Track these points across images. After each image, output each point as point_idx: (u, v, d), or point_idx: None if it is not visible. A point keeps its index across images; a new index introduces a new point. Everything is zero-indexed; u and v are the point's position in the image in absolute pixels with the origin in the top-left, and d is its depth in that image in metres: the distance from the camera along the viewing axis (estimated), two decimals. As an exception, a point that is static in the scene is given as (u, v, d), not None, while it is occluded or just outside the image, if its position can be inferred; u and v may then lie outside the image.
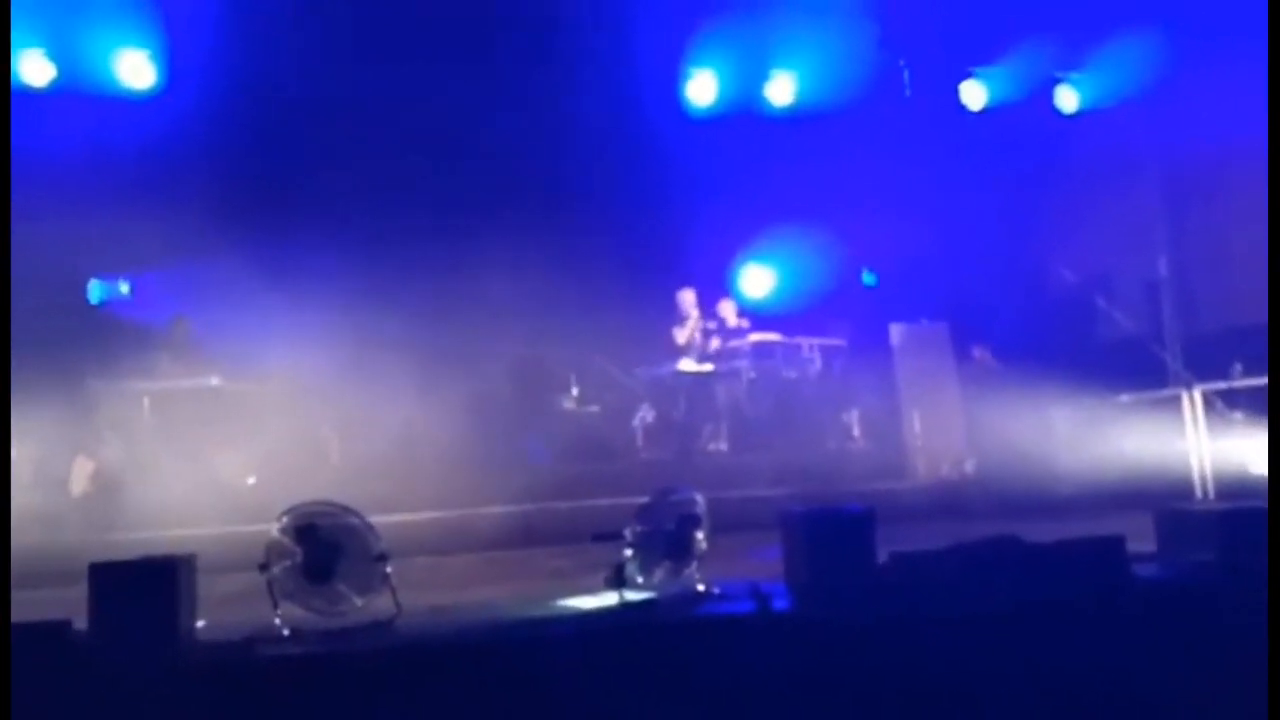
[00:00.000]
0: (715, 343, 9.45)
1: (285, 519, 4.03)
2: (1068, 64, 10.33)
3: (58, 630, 3.56)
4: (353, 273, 8.61)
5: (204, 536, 5.80)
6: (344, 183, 9.20)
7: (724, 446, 9.15)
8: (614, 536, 4.39)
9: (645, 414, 9.44)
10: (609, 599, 4.28)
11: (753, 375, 9.40)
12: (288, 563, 4.00)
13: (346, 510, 4.07)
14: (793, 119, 10.39)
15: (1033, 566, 4.22)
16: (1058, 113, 10.49)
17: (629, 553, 4.31)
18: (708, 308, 9.69)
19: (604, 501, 6.68)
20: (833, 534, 4.24)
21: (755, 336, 9.52)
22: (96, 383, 7.90)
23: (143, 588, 3.67)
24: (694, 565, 4.44)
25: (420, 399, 8.31)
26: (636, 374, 9.70)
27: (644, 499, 4.50)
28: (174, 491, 7.00)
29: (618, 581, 4.27)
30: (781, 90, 10.31)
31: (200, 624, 3.99)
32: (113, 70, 8.99)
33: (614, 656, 3.88)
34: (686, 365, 9.29)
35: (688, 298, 9.66)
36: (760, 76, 10.32)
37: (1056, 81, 10.45)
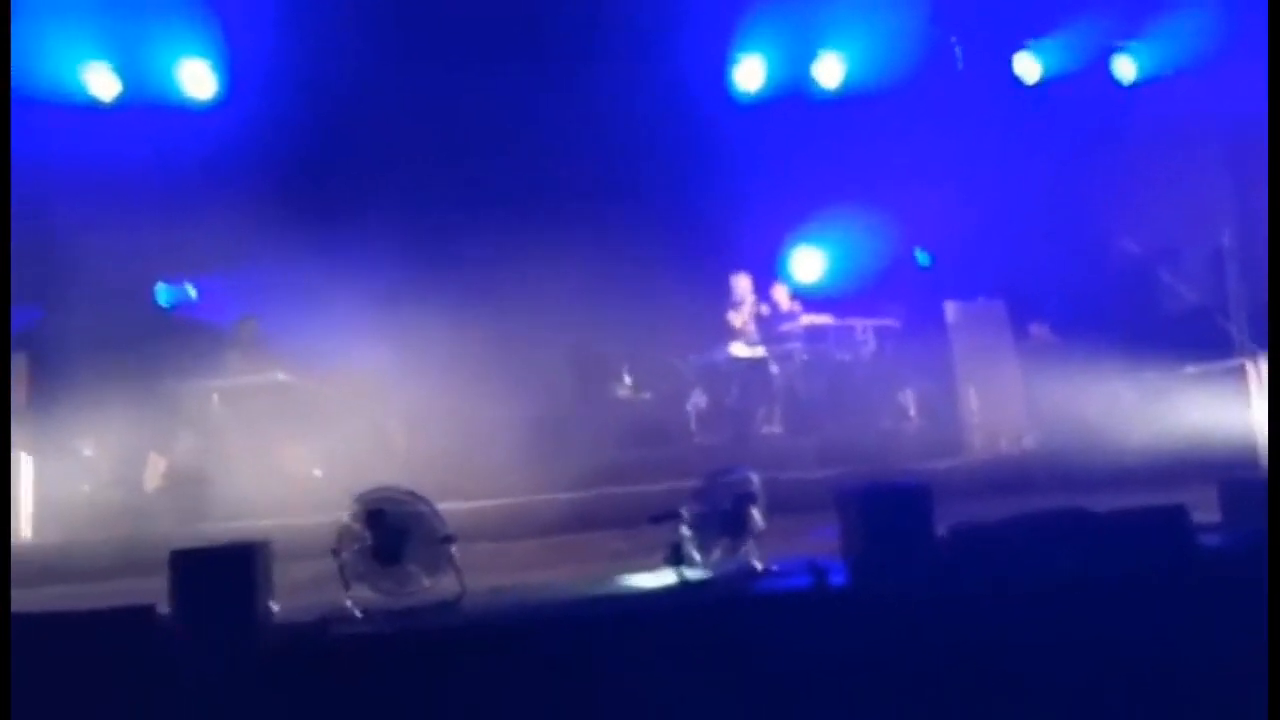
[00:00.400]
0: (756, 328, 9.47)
1: (355, 506, 4.17)
2: (1125, 33, 10.11)
3: (142, 615, 3.72)
4: (410, 269, 8.80)
5: (273, 527, 5.98)
6: (399, 182, 9.42)
7: (778, 429, 9.16)
8: (671, 516, 4.45)
9: (698, 399, 9.48)
10: (668, 578, 4.35)
11: (805, 358, 9.39)
12: (358, 546, 4.14)
13: (413, 495, 4.20)
14: (842, 100, 10.32)
15: (1095, 537, 4.19)
16: (1116, 83, 10.28)
17: (686, 532, 4.37)
18: (761, 292, 9.71)
19: (660, 486, 6.75)
20: (889, 509, 4.23)
21: (807, 319, 9.51)
22: (167, 382, 8.17)
23: (222, 573, 3.81)
24: (751, 543, 4.48)
25: (478, 390, 8.46)
26: (689, 360, 9.74)
27: (699, 482, 4.57)
28: (244, 485, 7.22)
29: (676, 560, 4.33)
30: (830, 71, 10.26)
31: (275, 608, 4.15)
32: (175, 80, 9.27)
33: (673, 633, 3.95)
34: (739, 350, 9.32)
35: (742, 282, 9.69)
36: (808, 58, 10.28)
37: (1114, 51, 10.23)
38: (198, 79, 9.25)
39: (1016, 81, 10.23)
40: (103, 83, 8.96)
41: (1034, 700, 3.82)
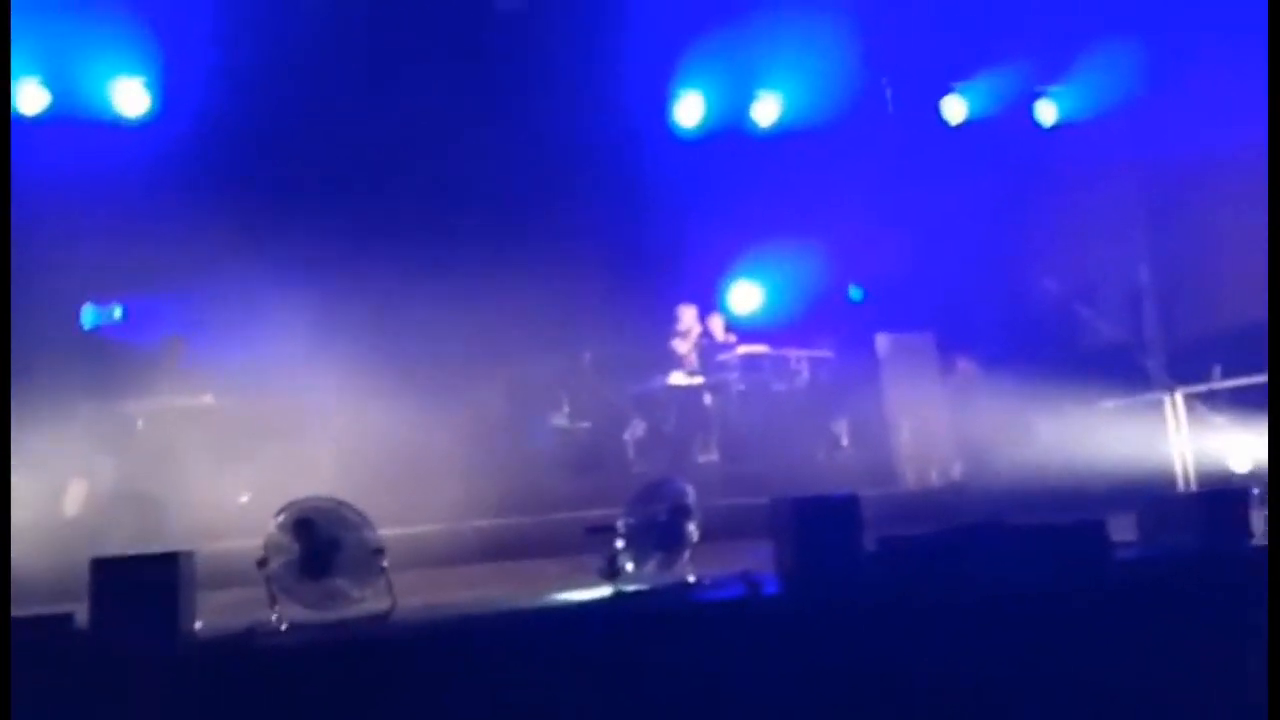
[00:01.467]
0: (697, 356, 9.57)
1: (283, 515, 4.10)
2: (1046, 78, 10.52)
3: (59, 623, 3.61)
4: (345, 295, 8.67)
5: (198, 553, 5.83)
6: (335, 207, 9.32)
7: (715, 457, 9.22)
8: (607, 529, 4.47)
9: (636, 428, 9.51)
10: (603, 591, 4.35)
11: (741, 387, 9.49)
12: (285, 558, 4.06)
13: (343, 505, 4.14)
14: (778, 138, 10.53)
15: (1017, 549, 4.31)
16: (1038, 125, 10.67)
17: (621, 544, 4.39)
18: (699, 323, 9.83)
19: (597, 512, 6.71)
20: (820, 520, 4.32)
21: (744, 349, 9.63)
22: (89, 405, 7.92)
23: (143, 582, 3.73)
24: (686, 556, 4.52)
25: (414, 417, 8.34)
26: (627, 389, 9.78)
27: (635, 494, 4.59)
28: (168, 511, 7.02)
29: (611, 572, 4.34)
30: (767, 110, 10.48)
31: (199, 626, 4.04)
32: (107, 98, 9.10)
33: (608, 644, 3.95)
34: (677, 379, 9.40)
35: (688, 313, 9.80)
36: (746, 97, 10.48)
37: (1036, 95, 10.65)
38: (130, 97, 9.09)
39: (944, 123, 10.56)
40: (31, 96, 8.77)
41: (956, 704, 3.89)
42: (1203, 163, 9.21)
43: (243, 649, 3.77)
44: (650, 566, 4.46)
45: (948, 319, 9.42)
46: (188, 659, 3.68)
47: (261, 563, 4.03)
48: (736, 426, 9.42)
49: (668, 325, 9.84)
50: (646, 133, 10.37)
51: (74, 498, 7.75)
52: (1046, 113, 10.66)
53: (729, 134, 10.61)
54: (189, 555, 3.97)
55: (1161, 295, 9.53)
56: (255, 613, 4.06)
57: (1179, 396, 7.92)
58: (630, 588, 4.37)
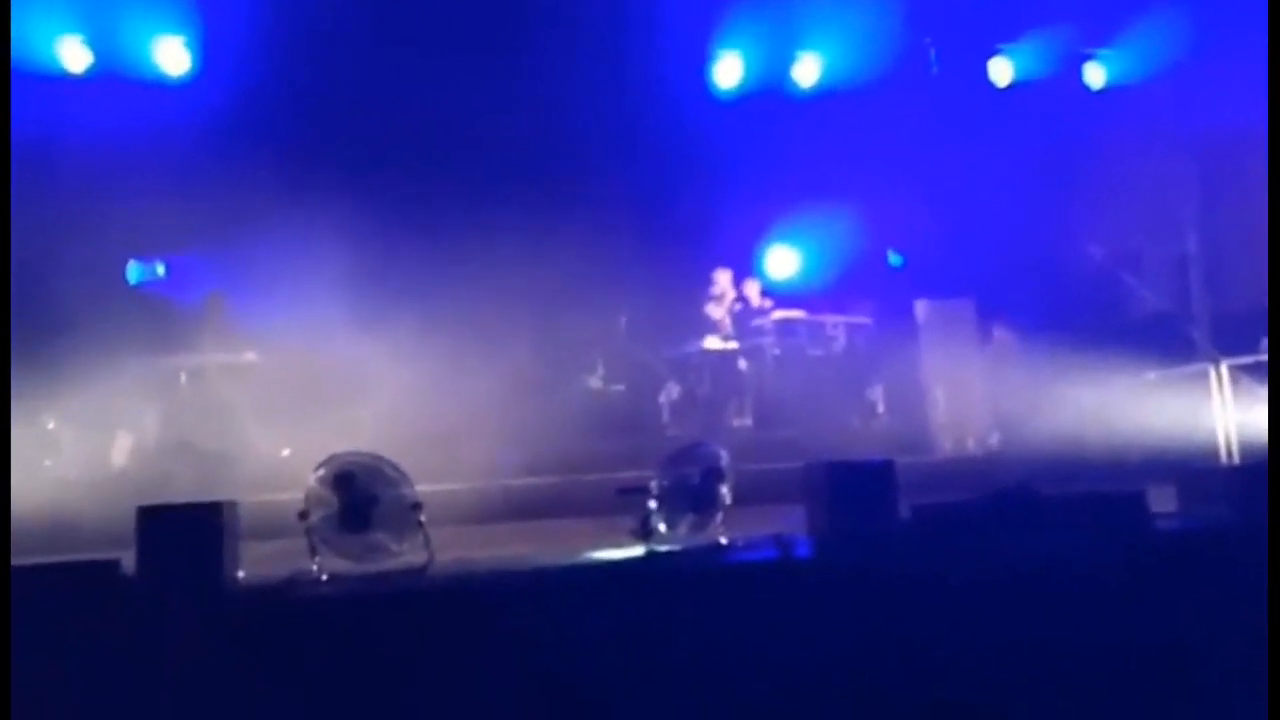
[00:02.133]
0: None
1: (323, 469, 4.16)
2: (1096, 40, 10.28)
3: (106, 568, 3.70)
4: (384, 254, 8.75)
5: (240, 505, 5.95)
6: (374, 166, 9.37)
7: (748, 422, 9.23)
8: (640, 490, 4.49)
9: (670, 391, 9.54)
10: (635, 550, 4.38)
11: (777, 352, 9.47)
12: (325, 512, 4.13)
13: (382, 460, 4.20)
14: (819, 100, 10.40)
15: (1054, 518, 4.27)
16: (1086, 89, 10.44)
17: (654, 505, 4.41)
18: (736, 287, 9.79)
19: (630, 474, 6.74)
20: (854, 486, 4.30)
21: (780, 314, 9.58)
22: (135, 360, 8.08)
23: (188, 531, 3.80)
24: (718, 518, 4.53)
25: (450, 376, 8.42)
26: (662, 353, 9.80)
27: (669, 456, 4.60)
28: (211, 464, 7.17)
29: (644, 533, 4.37)
30: (808, 71, 10.34)
31: (241, 575, 4.12)
32: (149, 57, 9.18)
33: (639, 603, 3.98)
34: (712, 343, 9.39)
35: (723, 276, 9.76)
36: (786, 58, 10.35)
37: (1085, 58, 10.41)
38: (172, 56, 9.16)
39: (989, 85, 10.36)
40: (74, 54, 8.86)
41: (986, 672, 3.88)
42: (1252, 130, 8.96)
43: (284, 598, 3.85)
44: (682, 528, 4.49)
45: (989, 286, 9.30)
46: (230, 606, 3.76)
47: (302, 515, 4.10)
48: (771, 392, 9.41)
49: (704, 289, 9.81)
50: (685, 94, 10.28)
51: (120, 449, 7.94)
52: (1095, 76, 10.42)
53: (768, 95, 10.50)
54: (232, 505, 4.05)
55: (1208, 265, 9.33)
56: (296, 564, 4.14)
57: (1224, 367, 7.77)
58: (662, 548, 4.40)
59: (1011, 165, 9.90)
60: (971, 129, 10.06)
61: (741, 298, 9.82)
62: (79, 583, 3.69)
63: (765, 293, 9.97)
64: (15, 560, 3.87)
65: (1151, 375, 8.55)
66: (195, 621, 3.61)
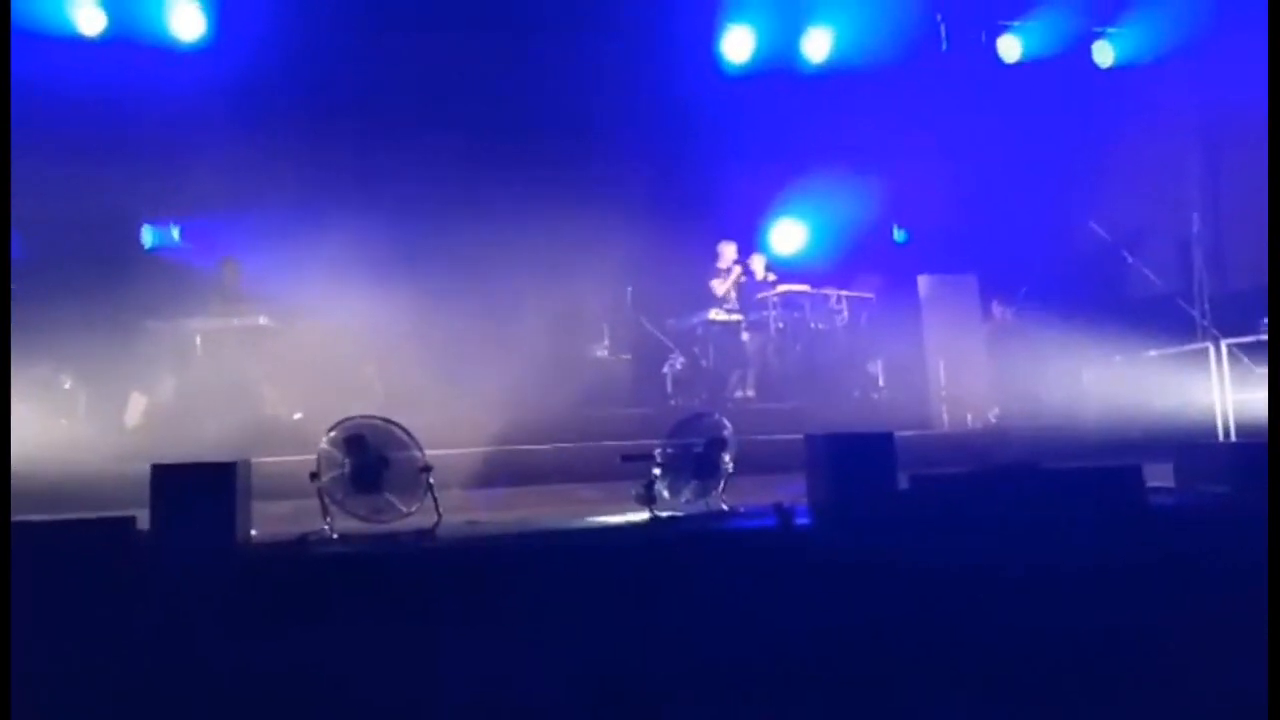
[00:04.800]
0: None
1: (334, 431, 4.28)
2: (1105, 19, 10.27)
3: (122, 525, 3.80)
4: (395, 219, 8.84)
5: (253, 465, 6.07)
6: (384, 136, 9.43)
7: (751, 394, 9.33)
8: (644, 457, 4.60)
9: (675, 362, 9.64)
10: (639, 515, 4.50)
11: (780, 325, 9.54)
12: (336, 472, 4.25)
13: (392, 423, 4.31)
14: (828, 74, 10.41)
15: (1050, 492, 4.36)
16: (1094, 67, 10.43)
17: (658, 472, 4.52)
18: (741, 260, 9.86)
19: (635, 442, 6.86)
20: (854, 457, 4.40)
21: (783, 288, 9.65)
22: (150, 322, 8.21)
23: (202, 488, 3.91)
24: (721, 486, 4.65)
25: (461, 345, 8.55)
26: (668, 324, 9.89)
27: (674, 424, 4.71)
28: (224, 425, 7.29)
29: (647, 498, 4.48)
30: (818, 46, 10.35)
31: (254, 533, 4.24)
32: (164, 21, 9.22)
33: (642, 566, 4.10)
34: (716, 315, 9.48)
35: (728, 250, 9.83)
36: (796, 32, 10.36)
37: (1094, 36, 10.40)
38: (187, 20, 9.20)
39: (998, 61, 10.36)
40: (89, 18, 8.91)
41: (980, 642, 3.99)
42: (1261, 112, 8.97)
43: (296, 555, 3.97)
44: (685, 495, 4.60)
45: (992, 262, 9.36)
46: (243, 562, 3.88)
47: (314, 475, 4.22)
48: (774, 364, 9.50)
49: (709, 262, 9.88)
50: (694, 68, 10.30)
51: (135, 409, 8.08)
52: (1104, 54, 10.42)
53: (778, 69, 10.51)
54: (246, 463, 4.15)
55: (1211, 246, 9.36)
56: (308, 523, 4.26)
57: (1224, 347, 7.86)
58: (665, 513, 4.51)
59: (1018, 141, 9.93)
60: (979, 105, 10.08)
61: (747, 271, 9.89)
62: (96, 538, 3.78)
63: (770, 266, 10.03)
64: (33, 516, 3.99)
65: (1152, 353, 8.64)
66: (209, 577, 3.73)
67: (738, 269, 9.77)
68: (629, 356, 9.72)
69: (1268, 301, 7.47)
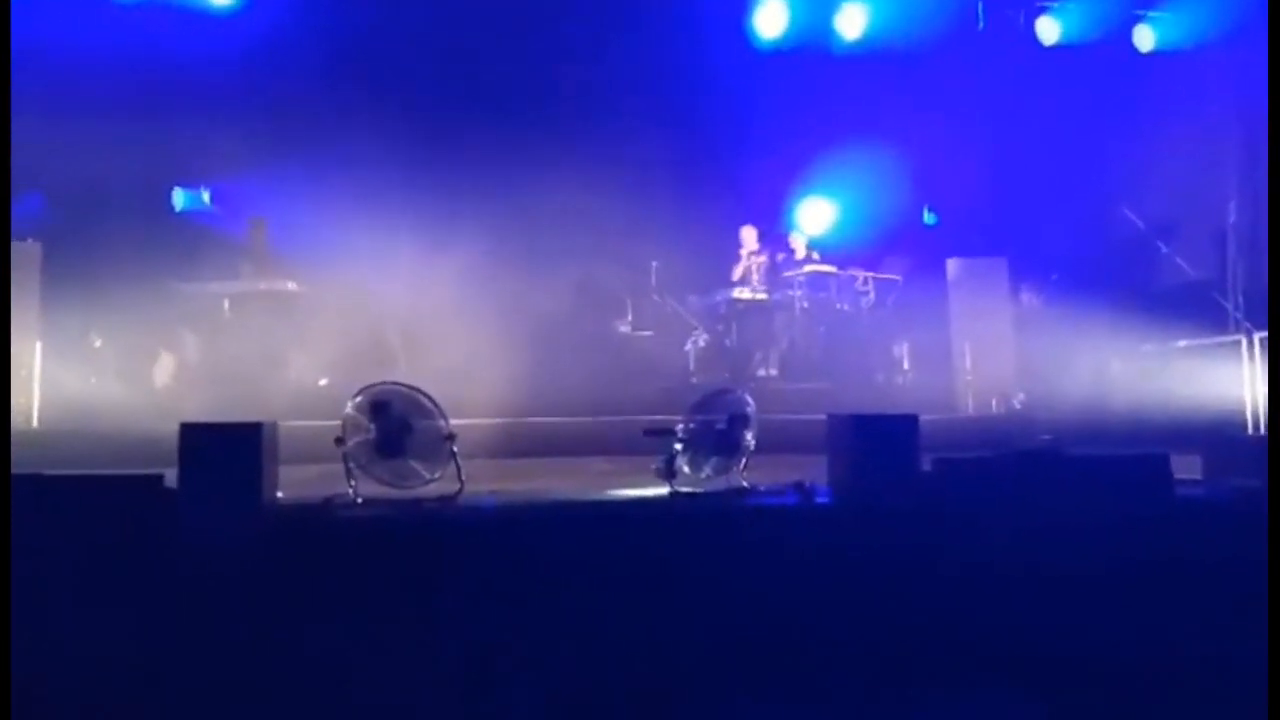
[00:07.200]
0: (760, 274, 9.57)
1: (360, 397, 4.30)
2: (1147, 1, 10.09)
3: (151, 482, 3.85)
4: (424, 187, 8.84)
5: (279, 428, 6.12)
6: (415, 97, 9.45)
7: (774, 372, 9.32)
8: (666, 432, 4.60)
9: (698, 339, 9.63)
10: (659, 490, 4.51)
11: (806, 305, 9.50)
12: (362, 438, 4.28)
13: (417, 390, 4.33)
14: (862, 52, 10.29)
15: (1075, 478, 4.33)
16: (1134, 51, 10.25)
17: (679, 447, 4.52)
18: (776, 240, 9.81)
19: (656, 417, 6.87)
20: (877, 437, 4.37)
21: (811, 267, 9.61)
22: (180, 285, 8.29)
23: (230, 448, 3.94)
24: (742, 463, 4.65)
25: (487, 317, 8.56)
26: (691, 301, 9.88)
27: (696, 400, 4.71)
28: (250, 387, 7.36)
29: (668, 473, 4.49)
30: (852, 22, 10.22)
31: (280, 495, 4.29)
32: (197, -17, 9.26)
33: (661, 540, 4.12)
34: (742, 293, 9.46)
35: (751, 231, 9.78)
36: (830, 8, 10.23)
37: (1135, 19, 10.21)
38: (219, -17, 9.23)
39: (1036, 43, 10.20)
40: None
41: (998, 623, 3.98)
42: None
43: (320, 518, 4.02)
44: (706, 470, 4.60)
45: (1022, 246, 9.26)
46: (268, 522, 3.92)
47: (339, 440, 4.25)
48: (798, 344, 9.48)
49: (735, 240, 9.85)
50: (724, 43, 10.21)
51: (164, 370, 8.18)
52: (1144, 38, 10.22)
53: (810, 46, 10.39)
54: (273, 424, 4.18)
55: (1245, 237, 9.21)
56: (333, 487, 4.30)
57: (1256, 339, 7.76)
58: (685, 489, 4.52)
59: (1053, 126, 9.79)
60: (1015, 87, 9.94)
61: (774, 250, 9.85)
62: (125, 495, 3.84)
63: (797, 245, 9.98)
64: (62, 470, 4.05)
65: (1182, 343, 8.53)
66: (236, 535, 3.78)
67: (765, 247, 9.72)
68: (651, 332, 9.72)
69: (1268, 301, 7.38)
